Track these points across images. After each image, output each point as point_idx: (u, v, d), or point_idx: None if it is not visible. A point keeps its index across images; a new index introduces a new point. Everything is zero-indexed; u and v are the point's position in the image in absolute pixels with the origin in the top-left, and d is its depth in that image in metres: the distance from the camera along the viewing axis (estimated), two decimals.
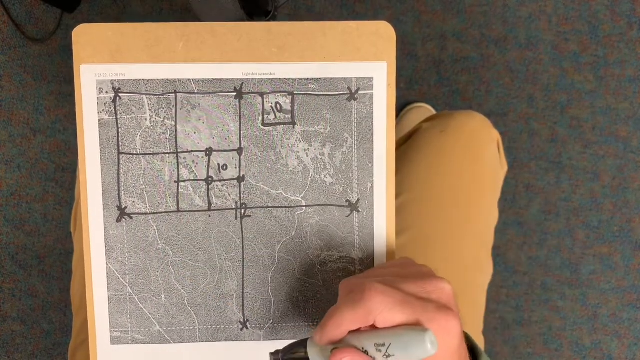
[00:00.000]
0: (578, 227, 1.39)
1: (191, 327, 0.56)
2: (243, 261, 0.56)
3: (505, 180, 0.80)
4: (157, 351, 0.56)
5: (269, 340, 0.57)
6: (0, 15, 1.35)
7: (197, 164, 0.55)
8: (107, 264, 0.55)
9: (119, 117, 0.54)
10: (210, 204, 0.55)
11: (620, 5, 1.33)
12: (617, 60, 1.34)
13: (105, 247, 0.55)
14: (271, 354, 0.48)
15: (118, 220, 0.55)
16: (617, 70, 1.35)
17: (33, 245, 1.40)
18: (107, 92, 0.54)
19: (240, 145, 0.55)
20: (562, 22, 1.34)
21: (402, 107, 1.37)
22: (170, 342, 0.56)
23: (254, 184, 0.55)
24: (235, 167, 0.55)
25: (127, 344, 0.56)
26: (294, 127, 0.55)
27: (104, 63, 0.53)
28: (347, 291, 0.45)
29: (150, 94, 0.54)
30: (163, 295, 0.56)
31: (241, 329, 0.56)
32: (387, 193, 0.56)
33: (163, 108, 0.54)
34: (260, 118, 0.54)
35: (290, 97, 0.54)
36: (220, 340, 0.56)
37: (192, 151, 0.54)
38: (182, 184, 0.55)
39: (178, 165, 0.54)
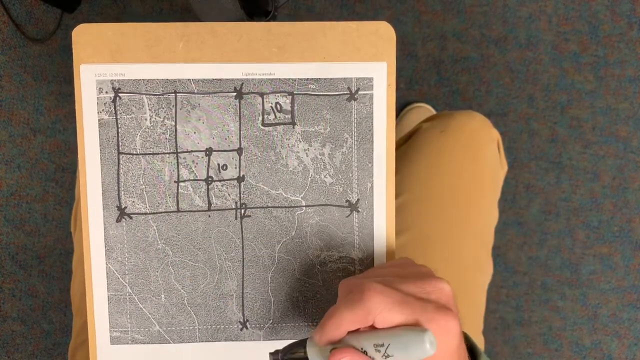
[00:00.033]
0: (578, 227, 1.39)
1: (191, 327, 0.56)
2: (243, 261, 0.56)
3: (505, 180, 0.80)
4: (157, 351, 0.56)
5: (269, 340, 0.57)
6: (0, 15, 1.35)
7: (197, 164, 0.55)
8: (106, 264, 0.55)
9: (118, 117, 0.54)
10: (210, 204, 0.55)
11: (620, 5, 1.33)
12: (617, 60, 1.34)
13: (105, 247, 0.55)
14: (270, 354, 0.48)
15: (118, 220, 0.55)
16: (617, 70, 1.35)
17: (33, 245, 1.40)
18: (107, 92, 0.54)
19: (240, 145, 0.55)
20: (562, 22, 1.34)
21: (402, 107, 1.37)
22: (170, 342, 0.56)
23: (253, 184, 0.55)
24: (235, 167, 0.55)
25: (127, 344, 0.56)
26: (293, 127, 0.55)
27: (103, 63, 0.53)
28: (347, 291, 0.45)
29: (150, 94, 0.54)
30: (163, 295, 0.56)
31: (241, 329, 0.56)
32: (387, 193, 0.56)
33: (163, 108, 0.54)
34: (260, 118, 0.54)
35: (290, 97, 0.54)
36: (220, 340, 0.56)
37: (192, 151, 0.54)
38: (182, 184, 0.55)
39: (178, 165, 0.54)
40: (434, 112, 1.35)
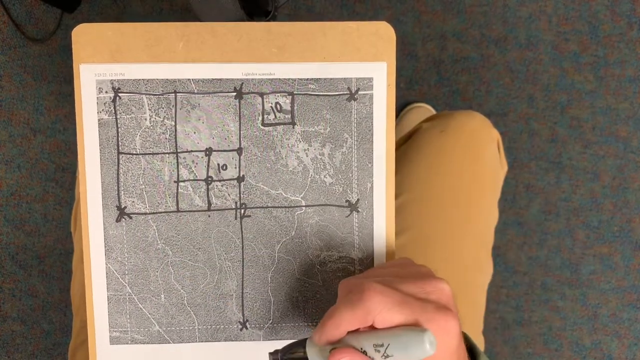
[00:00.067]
0: (578, 227, 1.39)
1: (190, 327, 0.56)
2: (243, 261, 0.56)
3: (505, 180, 0.80)
4: (157, 351, 0.56)
5: (269, 340, 0.57)
6: (0, 15, 1.35)
7: (196, 164, 0.55)
8: (106, 264, 0.55)
9: (118, 116, 0.54)
10: (209, 204, 0.55)
11: (620, 5, 1.33)
12: (617, 60, 1.34)
13: (105, 247, 0.55)
14: (270, 353, 0.48)
15: (117, 220, 0.55)
16: (617, 70, 1.35)
17: (33, 245, 1.40)
18: (106, 92, 0.53)
19: (240, 145, 0.55)
20: (562, 22, 1.34)
21: (402, 107, 1.37)
22: (169, 342, 0.56)
23: (253, 184, 0.55)
24: (235, 167, 0.55)
25: (127, 344, 0.56)
26: (293, 127, 0.55)
27: (103, 63, 0.53)
28: (346, 291, 0.45)
29: (150, 94, 0.54)
30: (162, 295, 0.56)
31: (241, 329, 0.56)
32: (387, 193, 0.56)
33: (163, 108, 0.54)
34: (260, 118, 0.54)
35: (290, 97, 0.54)
36: (219, 340, 0.56)
37: (191, 151, 0.54)
38: (181, 183, 0.55)
39: (178, 165, 0.54)
40: (434, 112, 1.35)
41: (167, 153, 0.54)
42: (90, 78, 0.53)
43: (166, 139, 0.54)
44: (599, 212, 1.38)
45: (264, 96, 0.54)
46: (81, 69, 0.53)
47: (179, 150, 0.54)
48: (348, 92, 0.54)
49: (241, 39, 0.53)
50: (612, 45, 1.34)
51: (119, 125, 0.54)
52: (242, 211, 0.55)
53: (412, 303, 0.42)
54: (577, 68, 1.35)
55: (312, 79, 0.54)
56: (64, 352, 1.43)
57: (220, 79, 0.54)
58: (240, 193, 0.55)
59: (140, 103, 0.54)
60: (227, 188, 0.55)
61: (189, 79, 0.53)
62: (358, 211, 0.56)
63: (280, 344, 0.49)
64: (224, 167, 0.55)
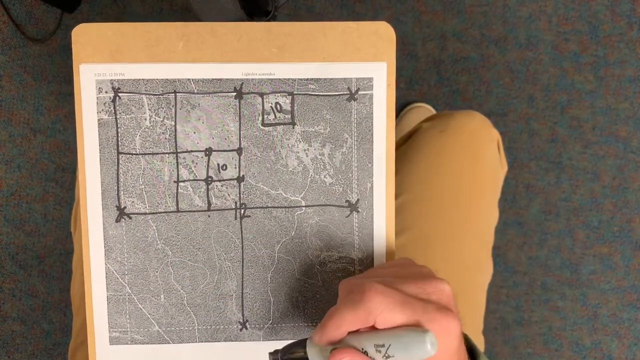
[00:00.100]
0: (578, 227, 1.39)
1: (190, 328, 0.56)
2: (242, 261, 0.56)
3: (505, 180, 0.80)
4: (156, 351, 0.56)
5: (269, 340, 0.57)
6: (0, 15, 1.35)
7: (196, 164, 0.54)
8: (106, 264, 0.55)
9: (118, 116, 0.54)
10: (209, 204, 0.55)
11: (620, 5, 1.33)
12: (617, 60, 1.34)
13: (105, 247, 0.55)
14: (270, 353, 0.48)
15: (117, 220, 0.55)
16: (617, 70, 1.35)
17: (33, 245, 1.40)
18: (106, 92, 0.53)
19: (240, 145, 0.54)
20: (562, 22, 1.34)
21: (402, 107, 1.37)
22: (169, 343, 0.56)
23: (253, 184, 0.55)
24: (235, 167, 0.55)
25: (126, 344, 0.56)
26: (293, 128, 0.55)
27: (103, 63, 0.53)
28: (347, 291, 0.45)
29: (149, 94, 0.54)
30: (162, 296, 0.56)
31: (240, 329, 0.56)
32: (387, 193, 0.55)
33: (163, 108, 0.54)
34: (260, 118, 0.54)
35: (290, 97, 0.54)
36: (219, 341, 0.56)
37: (191, 151, 0.54)
38: (181, 184, 0.55)
39: (177, 165, 0.54)
40: (434, 112, 1.35)
41: (167, 153, 0.54)
42: (90, 78, 0.53)
43: (166, 139, 0.54)
44: (599, 212, 1.38)
45: (264, 96, 0.54)
46: (81, 69, 0.53)
47: (178, 150, 0.54)
48: (348, 92, 0.54)
49: (241, 39, 0.53)
50: (612, 45, 1.34)
51: (118, 125, 0.54)
52: (242, 211, 0.55)
53: (414, 303, 0.42)
54: (577, 68, 1.35)
55: (312, 79, 0.54)
56: (64, 352, 1.43)
57: (220, 79, 0.54)
58: (240, 193, 0.55)
59: (140, 103, 0.54)
60: (227, 188, 0.55)
61: (188, 79, 0.53)
62: (358, 211, 0.56)
63: (280, 344, 0.49)
64: (224, 167, 0.55)
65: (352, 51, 0.54)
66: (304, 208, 0.55)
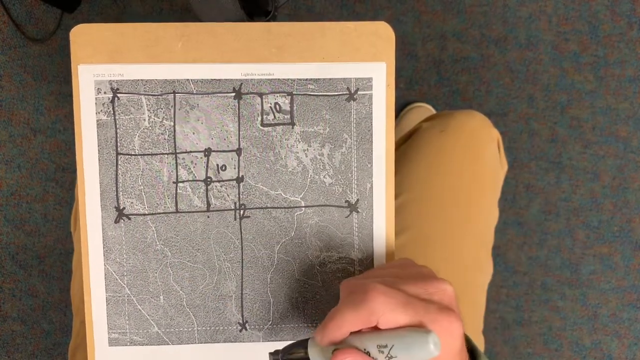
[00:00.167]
0: (578, 227, 1.39)
1: (190, 329, 0.56)
2: (242, 262, 0.56)
3: (505, 180, 0.80)
4: (156, 353, 0.56)
5: (268, 341, 0.56)
6: (0, 15, 1.35)
7: (195, 164, 0.54)
8: (105, 265, 0.55)
9: (117, 117, 0.54)
10: (209, 204, 0.55)
11: (620, 5, 1.33)
12: (617, 60, 1.34)
13: (104, 248, 0.55)
14: (270, 353, 0.48)
15: (116, 221, 0.55)
16: (617, 70, 1.34)
17: (33, 245, 1.40)
18: (105, 93, 0.53)
19: (239, 145, 0.54)
20: (562, 22, 1.34)
21: (402, 107, 1.37)
22: (168, 344, 0.56)
23: (253, 185, 0.55)
24: (234, 168, 0.55)
25: (125, 345, 0.56)
26: (293, 128, 0.54)
27: (102, 63, 0.53)
28: (349, 292, 0.45)
29: (148, 95, 0.53)
30: (161, 297, 0.55)
31: (240, 330, 0.56)
32: (387, 193, 0.55)
33: (162, 108, 0.54)
34: (259, 118, 0.54)
35: (290, 97, 0.54)
36: (219, 342, 0.56)
37: (190, 152, 0.54)
38: (180, 184, 0.55)
39: (177, 166, 0.54)
40: (434, 112, 1.35)
41: (166, 154, 0.54)
42: (89, 79, 0.53)
43: (165, 139, 0.54)
44: (599, 212, 1.38)
45: (263, 96, 0.54)
46: (79, 69, 0.53)
47: (177, 151, 0.54)
48: (347, 92, 0.54)
49: (240, 39, 0.53)
50: (612, 45, 1.34)
51: (117, 126, 0.54)
52: (242, 212, 0.55)
53: (416, 304, 0.42)
54: (577, 68, 1.35)
55: (311, 79, 0.54)
56: (64, 352, 1.43)
57: (219, 80, 0.54)
58: (239, 194, 0.55)
59: (139, 104, 0.54)
60: (226, 189, 0.55)
61: (187, 80, 0.53)
62: (358, 211, 0.55)
63: (279, 345, 0.49)
64: (223, 168, 0.55)
65: (352, 51, 0.54)
66: (303, 208, 0.55)
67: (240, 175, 0.55)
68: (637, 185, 1.37)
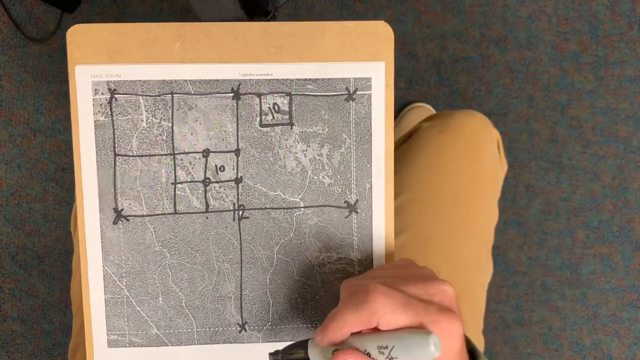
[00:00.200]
0: (578, 227, 1.39)
1: (189, 330, 0.56)
2: (241, 263, 0.55)
3: (505, 180, 0.80)
4: (155, 354, 0.56)
5: (268, 342, 0.56)
6: (0, 15, 1.35)
7: (194, 165, 0.54)
8: (103, 266, 0.55)
9: (114, 118, 0.53)
10: (207, 205, 0.55)
11: (620, 5, 1.33)
12: (617, 60, 1.34)
13: (102, 249, 0.55)
14: (270, 354, 0.48)
15: (114, 223, 0.54)
16: (617, 70, 1.34)
17: (33, 245, 1.40)
18: (102, 93, 0.53)
19: (237, 146, 0.54)
20: (562, 22, 1.34)
21: (402, 107, 1.37)
22: (168, 345, 0.56)
23: (251, 185, 0.55)
24: (233, 169, 0.54)
25: (125, 347, 0.55)
26: (291, 128, 0.54)
27: (99, 64, 0.53)
28: (350, 292, 0.45)
29: (146, 95, 0.53)
30: (160, 298, 0.55)
31: (240, 331, 0.56)
32: (386, 194, 0.55)
33: (159, 109, 0.54)
34: (258, 119, 0.54)
35: (288, 97, 0.54)
36: (218, 343, 0.56)
37: (189, 152, 0.54)
38: (179, 185, 0.54)
39: (175, 167, 0.54)
40: (434, 112, 1.35)
41: (164, 155, 0.54)
42: (86, 79, 0.53)
43: (163, 140, 0.54)
44: (599, 212, 1.38)
45: (262, 97, 0.54)
46: (76, 70, 0.53)
47: (176, 152, 0.54)
48: (346, 93, 0.54)
49: (238, 39, 0.53)
50: (612, 45, 1.34)
51: (115, 127, 0.54)
52: (240, 213, 0.55)
53: (416, 305, 0.42)
54: (577, 68, 1.35)
55: (310, 79, 0.54)
56: (64, 352, 1.43)
57: (217, 80, 0.53)
58: (238, 194, 0.55)
59: (136, 104, 0.53)
60: (224, 189, 0.55)
61: (185, 80, 0.53)
62: (357, 212, 0.55)
63: (279, 346, 0.49)
64: (222, 169, 0.54)
65: (350, 51, 0.54)
66: (302, 209, 0.55)
67: (239, 176, 0.55)
68: (637, 185, 1.37)
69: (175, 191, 0.54)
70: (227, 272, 0.55)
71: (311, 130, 0.54)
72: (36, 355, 1.43)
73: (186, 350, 0.56)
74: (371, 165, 0.55)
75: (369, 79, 0.54)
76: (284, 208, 0.55)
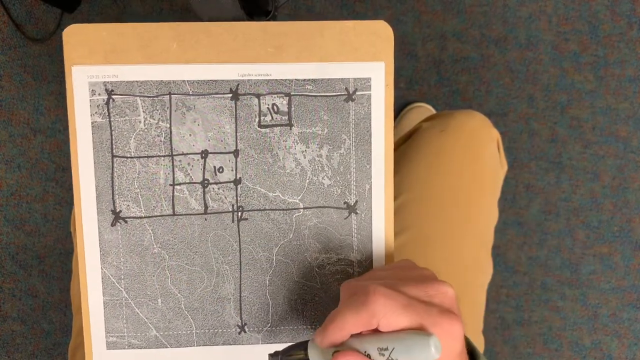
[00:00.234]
0: (578, 227, 1.38)
1: (188, 332, 0.56)
2: (240, 264, 0.55)
3: (505, 180, 0.80)
4: (154, 356, 0.55)
5: (267, 343, 0.56)
6: (0, 15, 1.35)
7: (192, 166, 0.54)
8: (102, 268, 0.55)
9: (112, 119, 0.53)
10: (206, 207, 0.55)
11: (620, 5, 1.33)
12: (617, 60, 1.34)
13: (100, 251, 0.54)
14: (270, 355, 0.47)
15: (113, 225, 0.54)
16: (617, 70, 1.34)
17: (33, 245, 1.40)
18: (99, 94, 0.53)
19: (236, 147, 0.54)
20: (562, 22, 1.34)
21: (402, 107, 1.37)
22: (167, 347, 0.55)
23: (250, 187, 0.54)
24: (232, 170, 0.54)
25: (123, 349, 0.55)
26: (291, 129, 0.54)
27: (96, 64, 0.53)
28: (350, 294, 0.45)
29: (144, 96, 0.53)
30: (159, 300, 0.55)
31: (239, 333, 0.56)
32: (386, 194, 0.55)
33: (157, 110, 0.53)
34: (257, 120, 0.54)
35: (287, 98, 0.54)
36: (218, 344, 0.56)
37: (187, 154, 0.54)
38: (177, 187, 0.54)
39: (173, 168, 0.54)
40: (434, 112, 1.34)
41: (162, 156, 0.54)
42: (83, 80, 0.53)
43: (161, 141, 0.54)
44: (599, 212, 1.38)
45: (261, 97, 0.54)
46: (73, 70, 0.52)
47: (174, 153, 0.54)
48: (346, 93, 0.54)
49: (237, 39, 0.53)
50: (612, 45, 1.34)
51: (112, 128, 0.53)
52: (239, 214, 0.55)
53: (417, 306, 0.42)
54: (577, 68, 1.35)
55: (309, 80, 0.54)
56: (64, 352, 1.43)
57: (216, 80, 0.53)
58: (237, 196, 0.55)
59: (134, 105, 0.53)
60: (223, 191, 0.54)
61: (183, 81, 0.53)
62: (357, 213, 0.55)
63: (279, 347, 0.49)
64: (221, 170, 0.54)
65: (350, 51, 0.54)
66: (302, 210, 0.55)
67: (237, 177, 0.54)
68: (637, 185, 1.37)
69: (173, 193, 0.54)
70: (226, 273, 0.55)
71: (310, 131, 0.54)
72: (36, 355, 1.43)
73: (185, 352, 0.56)
74: (371, 166, 0.55)
75: (368, 79, 0.54)
76: (283, 209, 0.55)
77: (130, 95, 0.53)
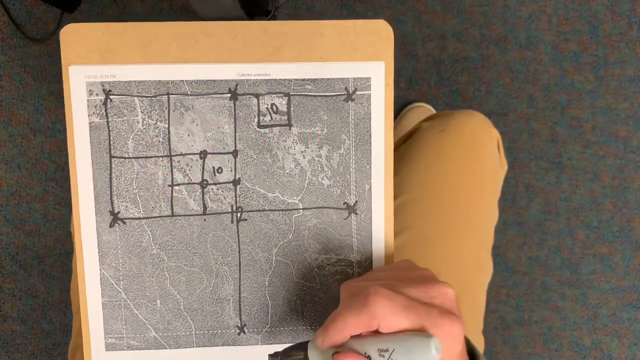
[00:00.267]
0: (578, 227, 1.38)
1: (187, 333, 0.55)
2: (239, 265, 0.55)
3: (505, 180, 0.80)
4: (153, 357, 0.55)
5: (267, 344, 0.56)
6: (0, 15, 1.35)
7: (191, 167, 0.54)
8: (100, 269, 0.54)
9: (110, 119, 0.53)
10: (205, 207, 0.54)
11: (620, 5, 1.33)
12: (617, 60, 1.34)
13: (99, 252, 0.54)
14: (270, 356, 0.47)
15: (111, 226, 0.54)
16: (617, 70, 1.34)
17: (33, 245, 1.40)
18: (97, 94, 0.53)
19: (235, 147, 0.54)
20: (562, 22, 1.34)
21: (402, 106, 1.37)
22: (166, 348, 0.55)
23: (250, 187, 0.54)
24: (231, 170, 0.54)
25: (123, 350, 0.55)
26: (290, 129, 0.54)
27: (93, 64, 0.52)
28: (350, 295, 0.45)
29: (142, 96, 0.53)
30: (158, 301, 0.55)
31: (238, 334, 0.56)
32: (385, 195, 0.55)
33: (155, 110, 0.53)
34: (256, 120, 0.54)
35: (287, 98, 0.54)
36: (217, 345, 0.56)
37: (186, 154, 0.54)
38: (176, 187, 0.54)
39: (172, 169, 0.54)
40: (434, 111, 1.34)
41: (160, 156, 0.54)
42: (80, 80, 0.52)
43: (159, 142, 0.54)
44: (599, 212, 1.38)
45: (260, 97, 0.53)
46: (70, 70, 0.52)
47: (172, 154, 0.54)
48: (345, 93, 0.54)
49: (236, 39, 0.53)
50: (612, 45, 1.34)
51: (110, 129, 0.53)
52: (239, 215, 0.55)
53: (418, 308, 0.42)
54: (577, 68, 1.35)
55: (308, 80, 0.54)
56: (64, 352, 1.43)
57: (215, 80, 0.53)
58: (236, 196, 0.54)
59: (132, 105, 0.53)
60: (222, 191, 0.54)
61: (182, 81, 0.53)
62: (356, 213, 0.55)
63: (278, 348, 0.49)
64: (219, 170, 0.54)
65: (350, 50, 0.53)
66: (301, 211, 0.55)
67: (236, 178, 0.54)
68: (637, 185, 1.36)
69: (172, 193, 0.54)
70: (225, 274, 0.55)
71: (310, 131, 0.54)
72: (36, 355, 1.43)
73: (185, 353, 0.55)
74: (370, 166, 0.55)
75: (368, 79, 0.54)
76: (282, 210, 0.55)
77: (128, 95, 0.53)
